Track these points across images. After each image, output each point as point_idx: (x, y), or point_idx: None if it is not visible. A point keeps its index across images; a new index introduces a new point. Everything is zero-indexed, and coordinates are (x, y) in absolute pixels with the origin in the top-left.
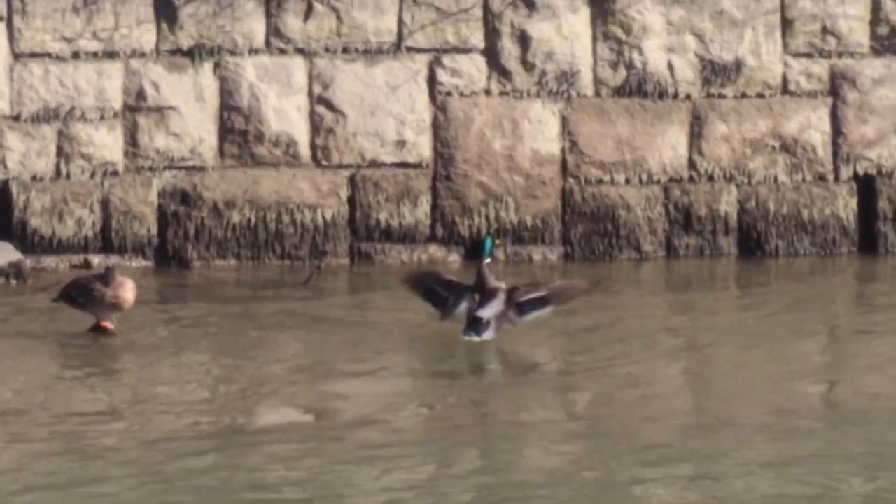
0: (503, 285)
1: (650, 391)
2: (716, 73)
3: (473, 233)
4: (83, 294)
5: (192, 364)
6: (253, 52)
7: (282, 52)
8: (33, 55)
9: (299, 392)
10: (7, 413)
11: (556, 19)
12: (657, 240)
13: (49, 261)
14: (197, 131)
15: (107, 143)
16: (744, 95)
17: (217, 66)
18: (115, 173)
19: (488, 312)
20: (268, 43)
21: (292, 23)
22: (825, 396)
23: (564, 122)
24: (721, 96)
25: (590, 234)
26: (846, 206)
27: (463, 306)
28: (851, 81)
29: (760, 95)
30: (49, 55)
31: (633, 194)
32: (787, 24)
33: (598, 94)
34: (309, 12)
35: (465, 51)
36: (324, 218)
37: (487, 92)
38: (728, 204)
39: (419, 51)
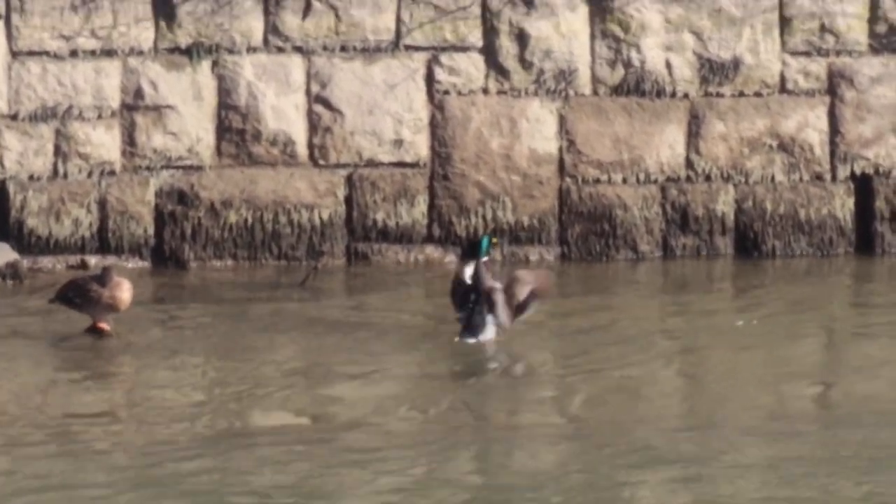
0: (499, 284)
1: (644, 393)
2: (714, 71)
3: (470, 233)
4: (80, 295)
5: (188, 366)
6: (251, 50)
7: (280, 50)
8: (31, 53)
9: (294, 395)
10: (2, 414)
11: (555, 17)
12: (654, 240)
13: (46, 261)
14: (194, 130)
15: (104, 142)
16: (741, 94)
17: (215, 64)
18: (112, 173)
19: (485, 313)
20: (266, 41)
21: (290, 21)
22: (818, 399)
23: (562, 120)
24: (719, 95)
25: (587, 234)
26: (843, 205)
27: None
28: (849, 80)
29: (758, 94)
30: (47, 53)
31: (630, 194)
32: (785, 23)
33: (595, 92)
34: (307, 10)
35: (463, 49)
36: (321, 218)
37: (485, 91)
38: (725, 204)
39: (417, 49)
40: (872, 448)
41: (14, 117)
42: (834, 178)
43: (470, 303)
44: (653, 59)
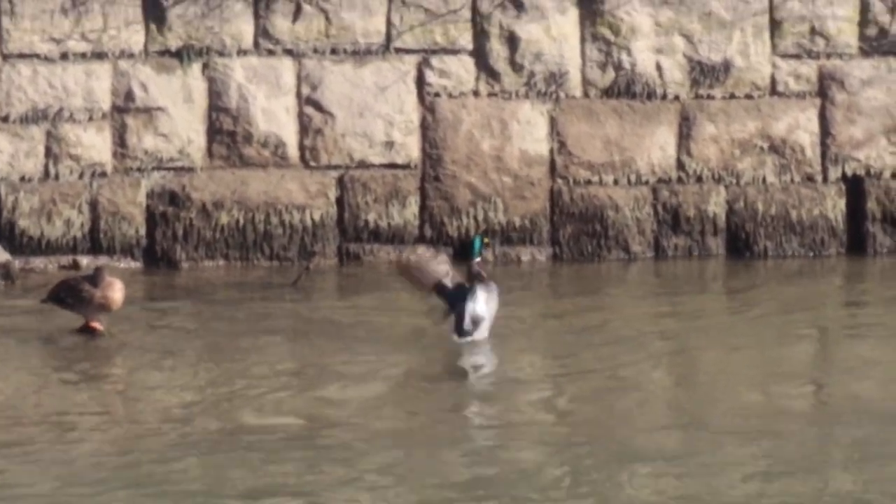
0: (491, 283)
1: (634, 394)
2: (704, 74)
3: (462, 233)
4: (72, 295)
5: (180, 366)
6: (241, 53)
7: (270, 53)
8: (22, 56)
9: (286, 395)
10: None
11: (545, 20)
12: (645, 240)
13: (38, 262)
14: (185, 132)
15: (95, 143)
16: (732, 96)
17: (205, 67)
18: (103, 174)
19: (480, 312)
20: (256, 44)
21: (281, 24)
22: (809, 398)
23: (553, 122)
24: (710, 97)
25: (578, 235)
26: (835, 206)
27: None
28: (840, 82)
29: (749, 96)
30: (37, 56)
31: (622, 195)
32: (775, 26)
33: (586, 94)
34: (297, 13)
35: (454, 52)
36: (312, 219)
37: (476, 93)
38: (716, 205)
39: (408, 52)
40: (863, 447)
41: (5, 119)
42: (825, 179)
43: (457, 301)
44: (643, 61)
